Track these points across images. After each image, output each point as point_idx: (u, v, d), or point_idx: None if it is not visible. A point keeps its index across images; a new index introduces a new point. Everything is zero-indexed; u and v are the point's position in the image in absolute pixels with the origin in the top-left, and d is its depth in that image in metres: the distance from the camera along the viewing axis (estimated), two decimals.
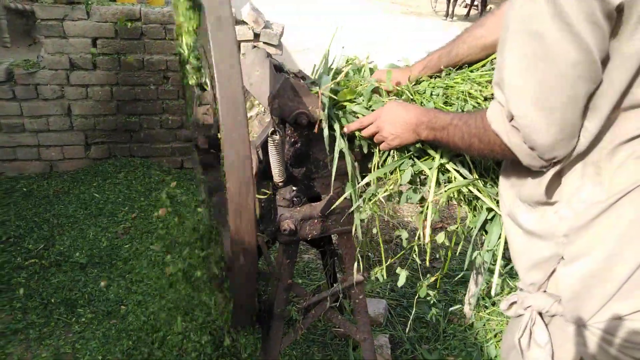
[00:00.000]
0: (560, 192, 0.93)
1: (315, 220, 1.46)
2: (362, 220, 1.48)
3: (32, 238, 2.73)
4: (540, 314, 1.02)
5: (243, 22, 3.38)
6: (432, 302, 1.62)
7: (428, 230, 1.34)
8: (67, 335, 2.18)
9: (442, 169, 1.33)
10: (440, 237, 1.40)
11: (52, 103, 3.23)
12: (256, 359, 1.86)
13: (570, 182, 0.92)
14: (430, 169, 1.32)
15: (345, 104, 1.39)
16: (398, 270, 1.50)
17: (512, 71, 0.86)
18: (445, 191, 1.31)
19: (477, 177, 1.31)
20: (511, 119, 0.89)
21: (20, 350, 2.10)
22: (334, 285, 1.66)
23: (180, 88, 3.41)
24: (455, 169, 1.31)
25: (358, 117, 1.36)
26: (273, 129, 1.25)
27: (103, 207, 3.04)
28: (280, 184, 1.38)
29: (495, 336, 2.54)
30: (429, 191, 1.33)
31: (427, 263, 1.50)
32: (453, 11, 13.32)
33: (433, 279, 1.53)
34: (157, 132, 3.53)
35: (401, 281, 1.44)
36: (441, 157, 1.31)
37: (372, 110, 1.35)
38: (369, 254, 2.92)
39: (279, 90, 1.24)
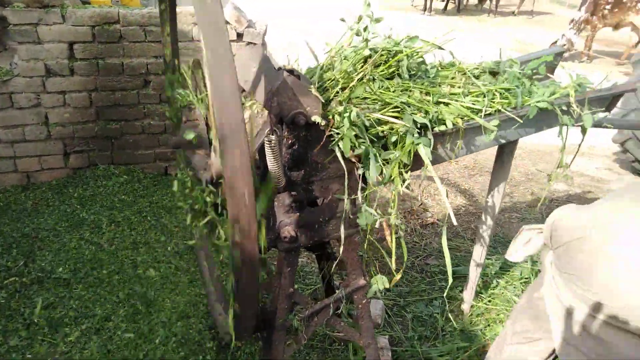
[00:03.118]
0: None
1: (316, 226, 1.39)
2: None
3: (10, 255, 2.59)
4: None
5: (225, 22, 3.29)
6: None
7: (388, 232, 1.39)
8: (53, 358, 2.07)
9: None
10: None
11: (27, 112, 3.09)
12: None
13: None
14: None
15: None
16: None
17: None
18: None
19: None
20: None
21: None
22: (332, 289, 1.60)
23: (161, 92, 3.30)
24: None
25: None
26: (270, 128, 1.18)
27: (85, 218, 2.92)
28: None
29: (488, 325, 2.52)
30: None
31: (393, 265, 1.44)
32: (431, 5, 13.48)
33: (397, 277, 1.51)
34: (139, 138, 3.41)
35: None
36: None
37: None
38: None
39: (279, 88, 1.17)
